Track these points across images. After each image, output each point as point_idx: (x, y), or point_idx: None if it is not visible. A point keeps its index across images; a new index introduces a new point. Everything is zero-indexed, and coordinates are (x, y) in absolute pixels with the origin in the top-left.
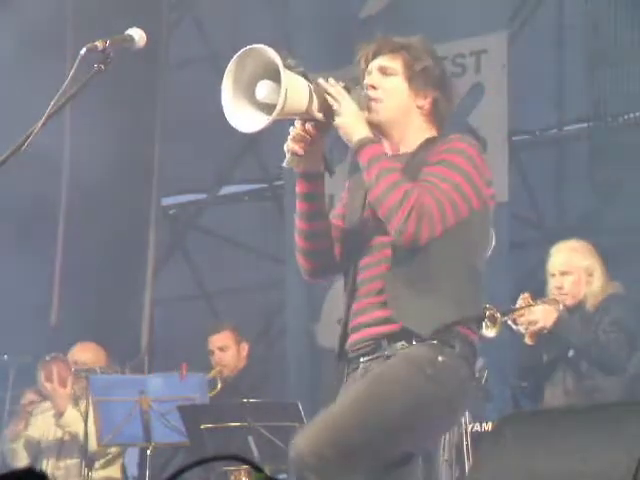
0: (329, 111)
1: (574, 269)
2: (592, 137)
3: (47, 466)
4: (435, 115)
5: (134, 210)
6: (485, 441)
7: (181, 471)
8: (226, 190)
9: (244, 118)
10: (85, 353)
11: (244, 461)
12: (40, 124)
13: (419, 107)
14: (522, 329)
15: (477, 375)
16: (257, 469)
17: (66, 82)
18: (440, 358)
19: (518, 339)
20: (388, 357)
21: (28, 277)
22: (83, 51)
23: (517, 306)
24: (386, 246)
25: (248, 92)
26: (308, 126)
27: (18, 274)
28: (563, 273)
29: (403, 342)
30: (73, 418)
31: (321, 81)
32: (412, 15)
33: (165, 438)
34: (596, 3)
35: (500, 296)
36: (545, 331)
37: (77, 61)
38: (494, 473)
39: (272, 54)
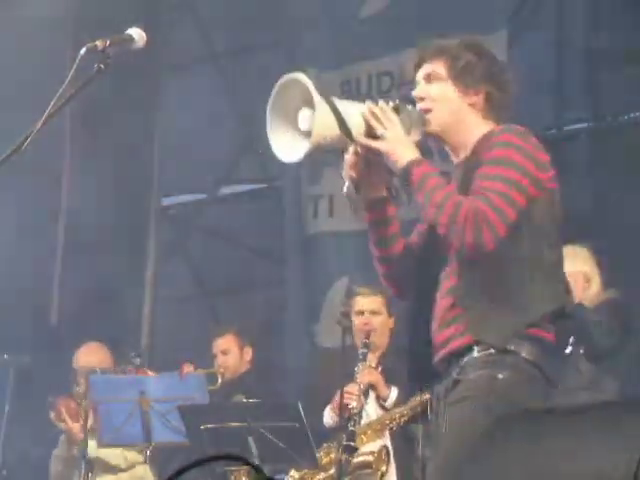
0: (375, 136)
1: (572, 274)
2: (592, 137)
3: None
4: (490, 109)
5: (134, 210)
6: (485, 441)
7: (181, 471)
8: (226, 190)
9: (287, 146)
10: (89, 355)
11: (244, 461)
12: (40, 124)
13: (471, 105)
14: None
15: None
16: (257, 469)
17: (66, 82)
18: (500, 376)
19: None
20: (456, 382)
21: (28, 277)
22: (83, 51)
23: None
24: (455, 259)
25: (294, 121)
26: (361, 150)
27: (18, 274)
28: None
29: (466, 358)
30: (93, 449)
31: (369, 104)
32: (412, 15)
33: (165, 438)
34: (595, 3)
35: None
36: None
37: (77, 61)
38: (494, 473)
39: (305, 81)
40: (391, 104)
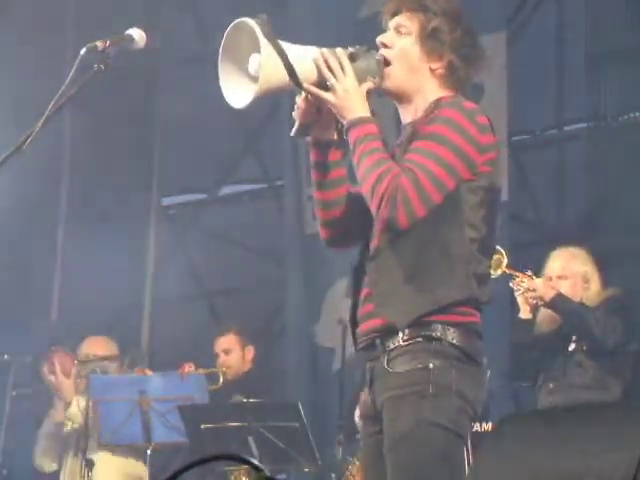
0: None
1: (571, 274)
2: (592, 137)
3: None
4: (450, 79)
5: (134, 210)
6: (485, 441)
7: (181, 471)
8: (226, 190)
9: (237, 92)
10: (96, 346)
11: (244, 461)
12: (40, 124)
13: (432, 70)
14: (519, 297)
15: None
16: (257, 469)
17: (66, 82)
18: (431, 365)
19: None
20: (388, 360)
21: (28, 276)
22: (83, 51)
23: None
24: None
25: (244, 66)
26: (311, 97)
27: (18, 273)
28: (560, 277)
29: (393, 346)
30: (80, 408)
31: (323, 51)
32: None
33: (165, 438)
34: (596, 3)
35: (500, 296)
36: (541, 303)
37: (77, 61)
38: (494, 473)
39: (252, 25)
40: (350, 49)
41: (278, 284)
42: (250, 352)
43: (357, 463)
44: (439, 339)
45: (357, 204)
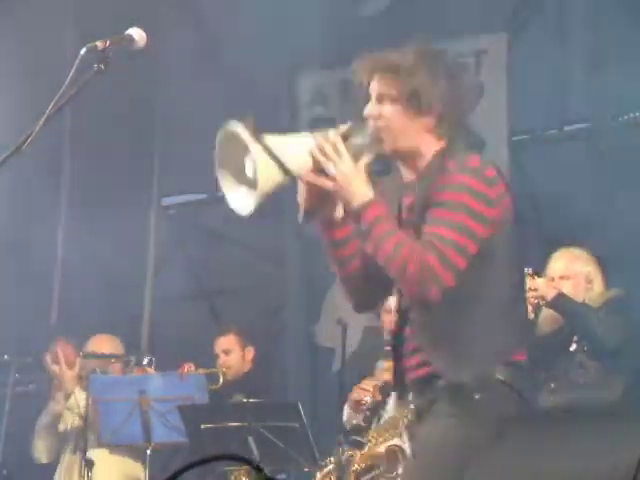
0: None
1: (574, 274)
2: (592, 137)
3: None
4: (444, 127)
5: (134, 210)
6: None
7: (181, 471)
8: None
9: (241, 199)
10: (101, 344)
11: (244, 461)
12: (40, 124)
13: (424, 125)
14: None
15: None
16: (257, 469)
17: (66, 82)
18: (477, 396)
19: None
20: (432, 401)
21: (28, 277)
22: (83, 51)
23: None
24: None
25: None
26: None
27: (18, 274)
28: (562, 277)
29: (441, 382)
30: (81, 400)
31: (318, 139)
32: (412, 15)
33: (165, 438)
34: (596, 3)
35: None
36: (543, 303)
37: (77, 61)
38: (494, 473)
39: (240, 131)
40: (342, 128)
41: (278, 284)
42: (250, 353)
43: (358, 465)
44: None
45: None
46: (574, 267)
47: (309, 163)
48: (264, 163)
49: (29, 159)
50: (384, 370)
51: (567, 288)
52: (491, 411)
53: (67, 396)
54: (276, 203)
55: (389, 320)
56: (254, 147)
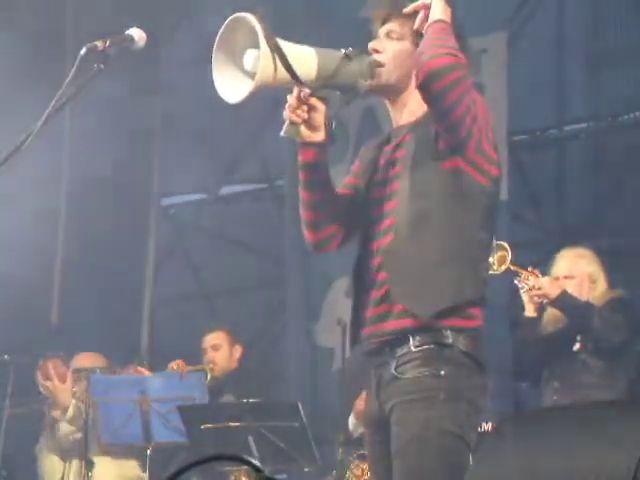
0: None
1: (578, 274)
2: (592, 137)
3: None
4: None
5: (134, 210)
6: (485, 441)
7: (181, 471)
8: (226, 190)
9: (231, 87)
10: (85, 361)
11: (244, 461)
12: (40, 124)
13: None
14: (525, 295)
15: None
16: (257, 469)
17: (66, 82)
18: (442, 372)
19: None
20: (397, 366)
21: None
22: (83, 51)
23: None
24: (389, 215)
25: (240, 62)
26: (304, 94)
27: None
28: (566, 277)
29: (402, 352)
30: (78, 411)
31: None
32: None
33: (165, 438)
34: (596, 3)
35: (499, 296)
36: (546, 301)
37: (77, 61)
38: (494, 473)
39: (251, 20)
40: (343, 51)
41: (278, 284)
42: (238, 351)
43: (358, 465)
44: (450, 346)
45: (346, 206)
46: (578, 267)
47: (313, 72)
48: (270, 56)
49: (29, 159)
50: None
51: (571, 288)
52: (459, 387)
53: (64, 410)
54: (276, 203)
55: None
56: (264, 38)
